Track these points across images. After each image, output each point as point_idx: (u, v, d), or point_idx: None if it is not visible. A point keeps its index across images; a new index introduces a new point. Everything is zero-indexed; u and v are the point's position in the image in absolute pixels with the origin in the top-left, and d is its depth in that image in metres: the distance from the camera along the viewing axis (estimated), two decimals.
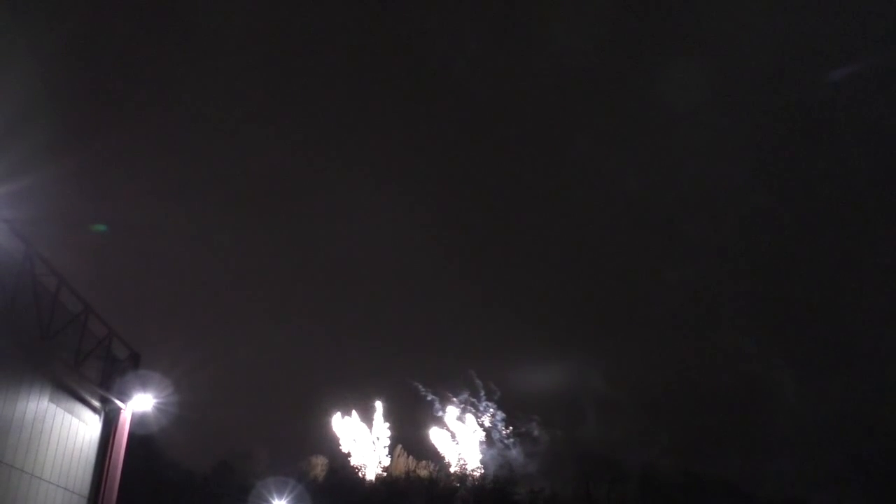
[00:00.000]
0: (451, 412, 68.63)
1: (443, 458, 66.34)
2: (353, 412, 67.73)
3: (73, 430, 17.74)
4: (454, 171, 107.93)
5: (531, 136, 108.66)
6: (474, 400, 68.92)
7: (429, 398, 68.69)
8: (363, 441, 66.87)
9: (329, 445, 67.00)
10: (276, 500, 42.37)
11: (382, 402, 68.77)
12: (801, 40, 76.89)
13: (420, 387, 68.83)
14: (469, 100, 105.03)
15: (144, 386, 19.48)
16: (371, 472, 65.12)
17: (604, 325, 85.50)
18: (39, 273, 15.97)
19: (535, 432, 68.75)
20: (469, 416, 68.17)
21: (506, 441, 67.55)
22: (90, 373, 18.07)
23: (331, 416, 67.00)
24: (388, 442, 67.59)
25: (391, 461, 66.61)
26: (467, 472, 64.80)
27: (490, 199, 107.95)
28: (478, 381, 69.08)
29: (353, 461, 65.81)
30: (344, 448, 66.49)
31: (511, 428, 68.00)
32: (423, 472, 62.98)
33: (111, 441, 19.20)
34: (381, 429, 68.32)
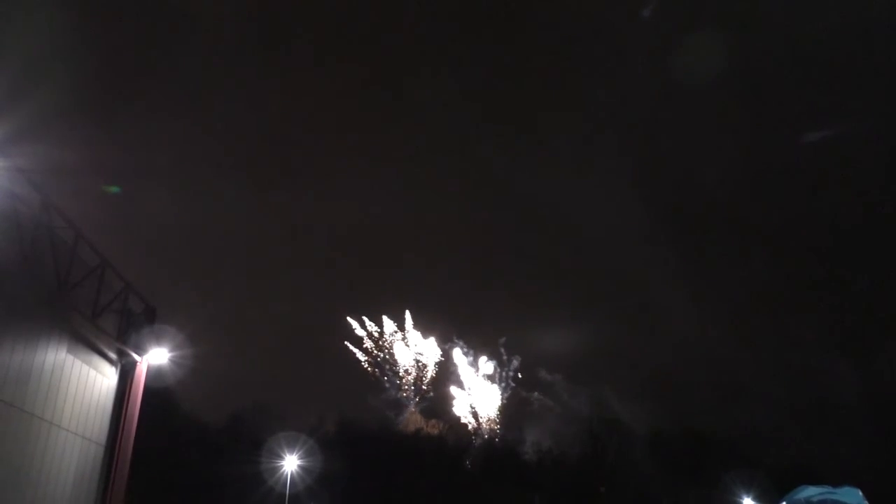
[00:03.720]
0: (479, 367, 68.80)
1: (458, 418, 66.98)
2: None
3: (90, 381, 18.03)
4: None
5: None
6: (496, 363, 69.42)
7: (465, 353, 68.71)
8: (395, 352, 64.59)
9: (345, 392, 66.82)
10: (287, 454, 43.11)
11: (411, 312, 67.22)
12: None
13: (461, 343, 68.70)
14: None
15: (160, 340, 19.74)
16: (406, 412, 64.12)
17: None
18: (56, 225, 16.06)
19: (547, 378, 69.50)
20: (490, 369, 68.29)
21: (522, 392, 68.00)
22: (107, 326, 18.27)
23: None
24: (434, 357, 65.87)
25: (404, 419, 67.27)
26: (482, 424, 65.41)
27: None
28: (502, 350, 69.43)
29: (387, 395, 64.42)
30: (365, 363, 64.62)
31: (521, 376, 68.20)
32: (433, 431, 63.81)
33: (127, 393, 19.53)
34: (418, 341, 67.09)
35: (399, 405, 68.88)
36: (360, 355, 68.98)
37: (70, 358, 16.97)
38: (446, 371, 71.24)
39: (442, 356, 70.12)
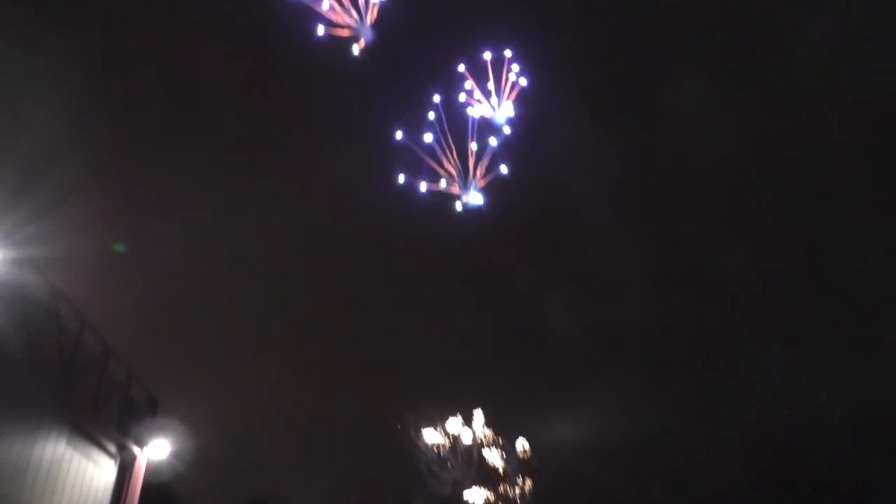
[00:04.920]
0: None
1: None
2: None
3: (88, 475, 17.55)
4: None
5: None
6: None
7: None
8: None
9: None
10: None
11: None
12: None
13: None
14: None
15: (162, 432, 19.31)
16: None
17: None
18: (63, 314, 16.07)
19: None
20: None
21: None
22: (108, 416, 17.98)
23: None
24: None
25: None
26: None
27: None
28: None
29: None
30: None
31: None
32: None
33: (125, 488, 18.95)
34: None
35: None
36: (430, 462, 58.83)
37: (69, 451, 16.59)
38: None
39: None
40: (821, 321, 39.07)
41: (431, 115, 43.83)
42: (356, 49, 38.96)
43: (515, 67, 46.56)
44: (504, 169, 43.09)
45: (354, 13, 41.01)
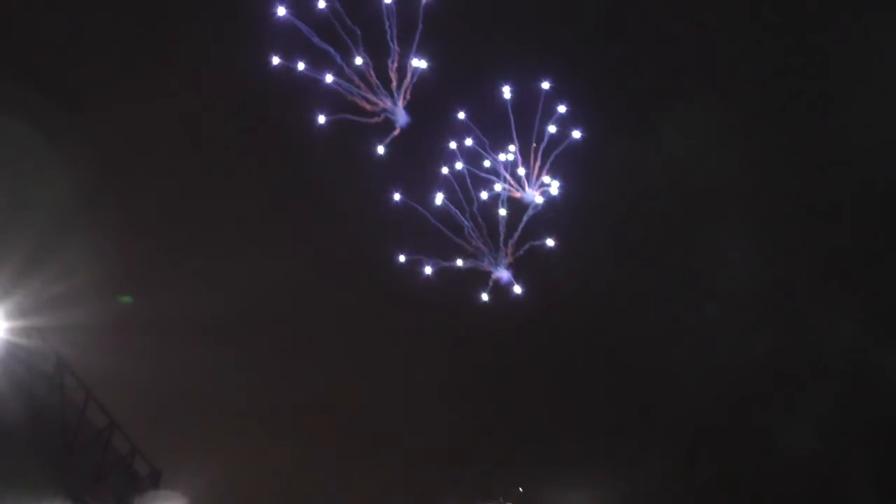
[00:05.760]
0: None
1: None
2: None
3: None
4: None
5: None
6: None
7: None
8: None
9: None
10: None
11: None
12: None
13: None
14: None
15: None
16: None
17: None
18: (68, 386, 16.03)
19: None
20: None
21: None
22: (109, 490, 17.65)
23: None
24: None
25: None
26: None
27: None
28: None
29: None
30: None
31: None
32: None
33: None
34: None
35: None
36: None
37: None
38: None
39: None
40: None
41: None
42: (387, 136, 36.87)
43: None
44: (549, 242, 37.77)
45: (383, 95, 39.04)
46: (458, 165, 39.94)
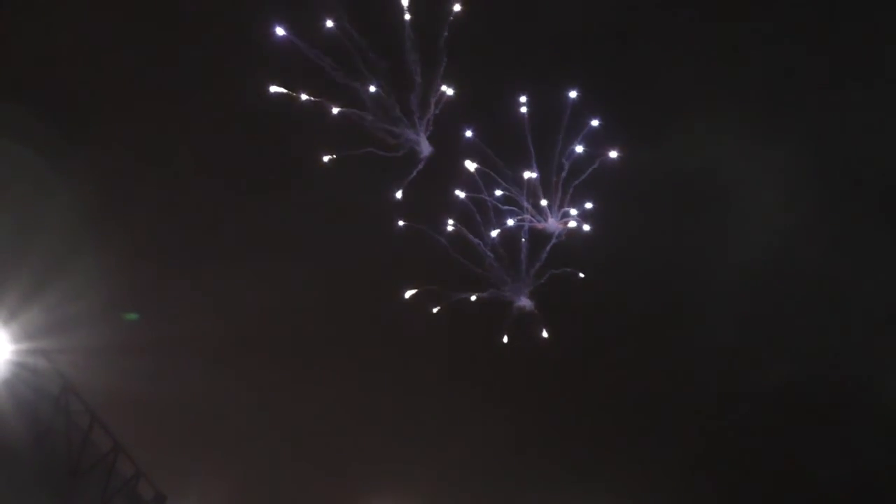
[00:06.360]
0: None
1: None
2: None
3: None
4: None
5: None
6: None
7: None
8: None
9: None
10: None
11: None
12: None
13: None
14: None
15: None
16: None
17: None
18: (74, 410, 15.96)
19: None
20: None
21: None
22: None
23: None
24: None
25: None
26: None
27: None
28: None
29: None
30: None
31: None
32: None
33: None
34: None
35: None
36: None
37: None
38: None
39: None
40: None
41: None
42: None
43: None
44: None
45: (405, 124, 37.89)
46: (476, 193, 38.76)
